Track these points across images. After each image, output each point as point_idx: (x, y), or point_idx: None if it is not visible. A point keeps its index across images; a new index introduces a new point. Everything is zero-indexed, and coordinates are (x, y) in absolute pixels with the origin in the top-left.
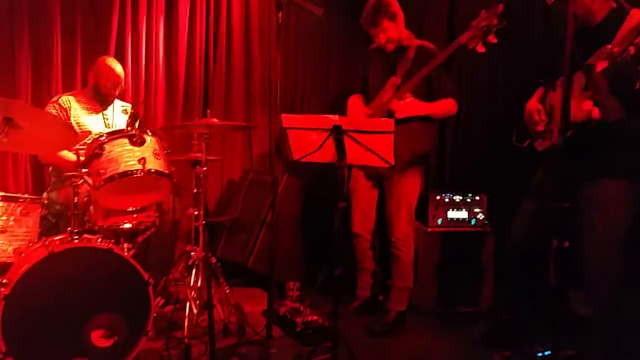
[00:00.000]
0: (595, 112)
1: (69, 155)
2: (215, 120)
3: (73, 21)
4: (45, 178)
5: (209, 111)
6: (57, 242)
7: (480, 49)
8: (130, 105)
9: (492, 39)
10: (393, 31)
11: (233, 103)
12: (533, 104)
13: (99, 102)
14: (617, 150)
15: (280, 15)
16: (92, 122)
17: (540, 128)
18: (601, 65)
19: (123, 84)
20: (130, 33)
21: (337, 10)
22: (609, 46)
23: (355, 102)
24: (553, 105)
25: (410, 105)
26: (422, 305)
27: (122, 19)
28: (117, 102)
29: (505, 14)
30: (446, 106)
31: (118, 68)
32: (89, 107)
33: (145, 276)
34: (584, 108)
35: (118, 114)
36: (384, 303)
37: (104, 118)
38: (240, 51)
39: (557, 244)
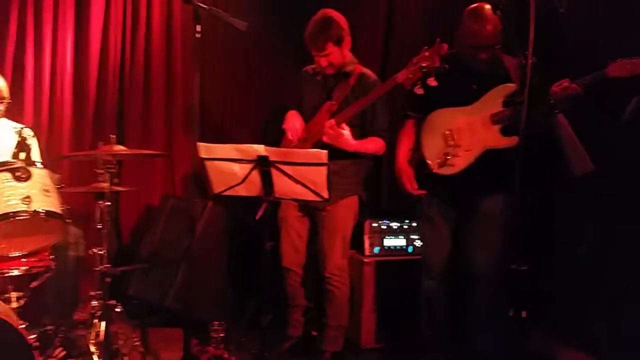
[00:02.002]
0: (514, 141)
1: None
2: (121, 147)
3: None
4: None
5: (113, 137)
6: None
7: (419, 90)
8: (22, 127)
9: (432, 82)
10: (337, 56)
11: (152, 125)
12: (403, 165)
13: None
14: (500, 170)
15: (199, 28)
16: None
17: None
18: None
19: (8, 97)
20: (32, 43)
21: (269, 24)
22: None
23: (294, 115)
24: (453, 130)
25: (344, 138)
26: (360, 342)
27: (21, 27)
28: (6, 122)
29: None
30: (374, 147)
31: None
32: None
33: (29, 340)
34: (507, 140)
35: (6, 137)
36: (318, 341)
37: None
38: (160, 66)
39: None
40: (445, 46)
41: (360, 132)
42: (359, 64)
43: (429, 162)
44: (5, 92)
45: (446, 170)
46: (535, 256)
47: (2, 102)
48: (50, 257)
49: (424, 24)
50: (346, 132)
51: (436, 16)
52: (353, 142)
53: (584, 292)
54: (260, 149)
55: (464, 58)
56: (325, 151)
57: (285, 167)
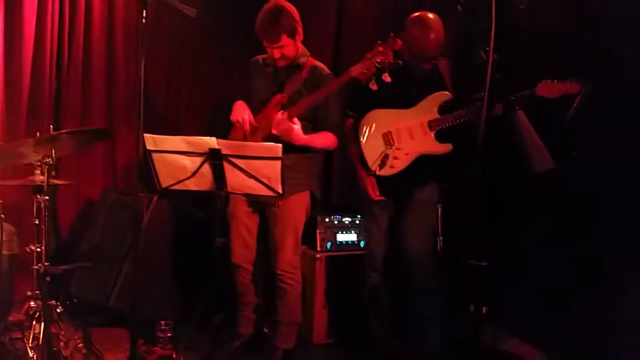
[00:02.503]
0: (449, 147)
1: None
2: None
3: None
4: None
5: (51, 127)
6: None
7: (373, 85)
8: None
9: (386, 78)
10: (290, 48)
11: (92, 116)
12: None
13: None
14: (434, 166)
15: (144, 13)
16: None
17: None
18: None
19: None
20: None
21: (217, 10)
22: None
23: (241, 106)
24: (392, 131)
25: (295, 133)
26: (312, 337)
27: None
28: None
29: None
30: (325, 141)
31: None
32: None
33: None
34: (442, 147)
35: None
36: (270, 339)
37: None
38: (101, 53)
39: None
40: (399, 42)
41: (311, 127)
42: (311, 57)
43: (369, 163)
44: None
45: (386, 172)
46: (492, 251)
47: None
48: None
49: (374, 20)
50: (297, 126)
51: (386, 13)
52: (304, 136)
53: (533, 286)
54: (211, 141)
55: (406, 62)
56: (279, 145)
57: (238, 161)
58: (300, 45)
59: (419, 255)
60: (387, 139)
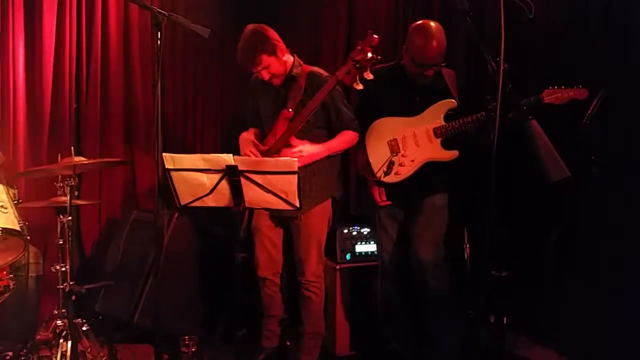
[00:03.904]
0: (455, 154)
1: None
2: (81, 158)
3: None
4: None
5: (72, 149)
6: None
7: (358, 86)
8: None
9: (368, 76)
10: (276, 66)
11: (111, 136)
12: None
13: None
14: (441, 174)
15: (158, 35)
16: None
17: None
18: None
19: None
20: None
21: (230, 29)
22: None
23: (245, 140)
24: (398, 138)
25: (308, 154)
26: (335, 349)
27: None
28: None
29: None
30: (345, 141)
31: None
32: None
33: None
34: (448, 154)
35: None
36: (294, 351)
37: None
38: (118, 73)
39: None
40: (376, 38)
41: (328, 132)
42: (305, 64)
43: (375, 170)
44: None
45: (391, 179)
46: (512, 261)
47: None
48: (9, 275)
49: (386, 24)
50: (305, 147)
51: (397, 16)
52: (317, 150)
53: (553, 293)
54: (228, 158)
55: (407, 71)
56: (295, 159)
57: (254, 177)
58: (290, 58)
59: (430, 263)
60: (393, 146)
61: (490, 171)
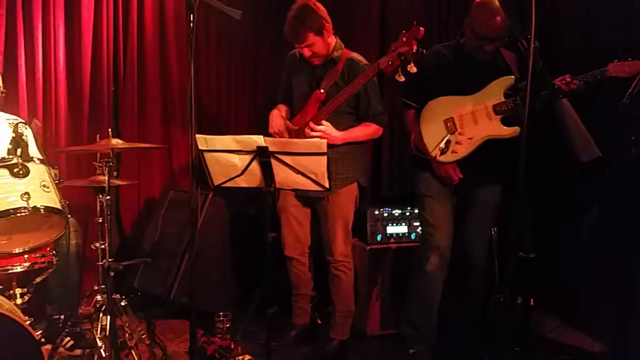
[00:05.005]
0: (516, 131)
1: None
2: (118, 141)
3: None
4: None
5: (110, 130)
6: None
7: (400, 78)
8: (17, 120)
9: (412, 69)
10: (320, 46)
11: (148, 118)
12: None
13: None
14: (499, 160)
15: (191, 17)
16: None
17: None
18: None
19: (1, 87)
20: (22, 36)
21: (263, 11)
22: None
23: (276, 117)
24: (455, 117)
25: (327, 136)
26: (366, 329)
27: (11, 21)
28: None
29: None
30: (367, 133)
31: None
32: None
33: (36, 336)
34: (509, 130)
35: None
36: (325, 329)
37: None
38: (154, 58)
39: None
40: (422, 30)
41: (355, 118)
42: (346, 49)
43: (429, 149)
44: None
45: (447, 158)
46: (542, 243)
47: None
48: (52, 252)
49: (419, 20)
50: (324, 127)
51: (431, 13)
52: (338, 134)
53: (589, 276)
54: (259, 139)
55: (467, 48)
56: (324, 140)
57: (285, 157)
58: (333, 40)
59: (481, 260)
60: (449, 125)
61: (520, 151)
